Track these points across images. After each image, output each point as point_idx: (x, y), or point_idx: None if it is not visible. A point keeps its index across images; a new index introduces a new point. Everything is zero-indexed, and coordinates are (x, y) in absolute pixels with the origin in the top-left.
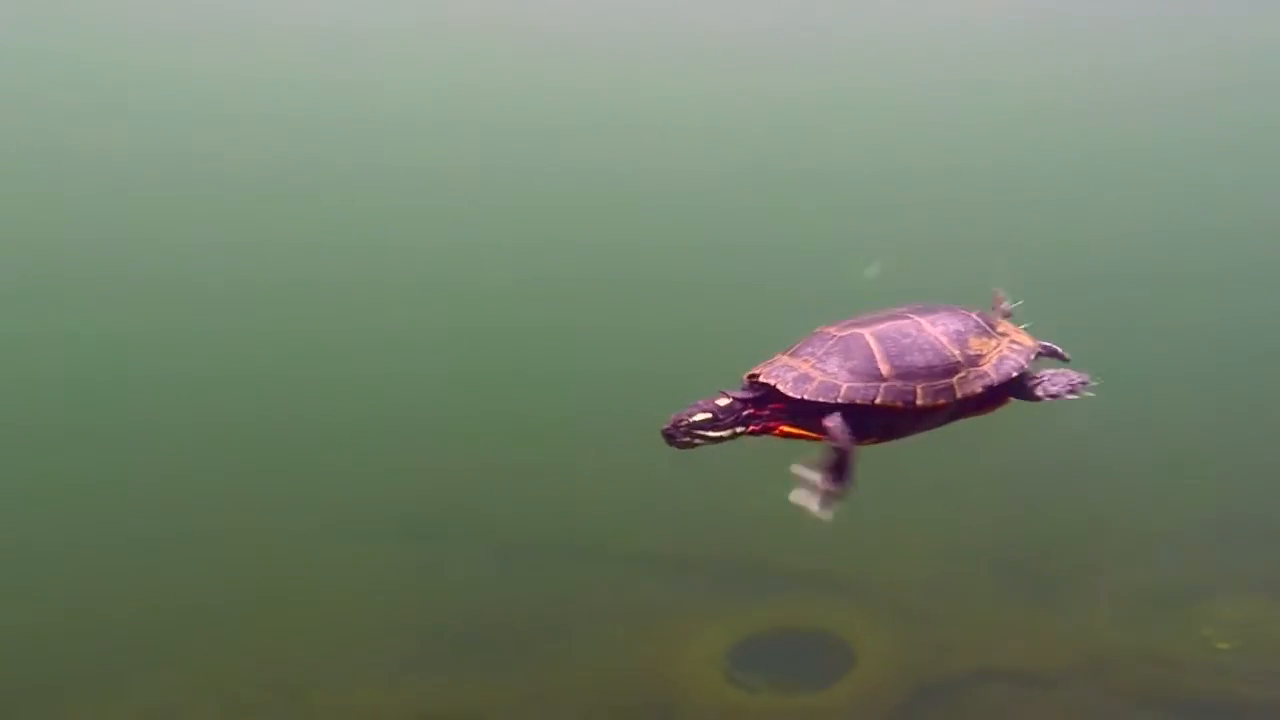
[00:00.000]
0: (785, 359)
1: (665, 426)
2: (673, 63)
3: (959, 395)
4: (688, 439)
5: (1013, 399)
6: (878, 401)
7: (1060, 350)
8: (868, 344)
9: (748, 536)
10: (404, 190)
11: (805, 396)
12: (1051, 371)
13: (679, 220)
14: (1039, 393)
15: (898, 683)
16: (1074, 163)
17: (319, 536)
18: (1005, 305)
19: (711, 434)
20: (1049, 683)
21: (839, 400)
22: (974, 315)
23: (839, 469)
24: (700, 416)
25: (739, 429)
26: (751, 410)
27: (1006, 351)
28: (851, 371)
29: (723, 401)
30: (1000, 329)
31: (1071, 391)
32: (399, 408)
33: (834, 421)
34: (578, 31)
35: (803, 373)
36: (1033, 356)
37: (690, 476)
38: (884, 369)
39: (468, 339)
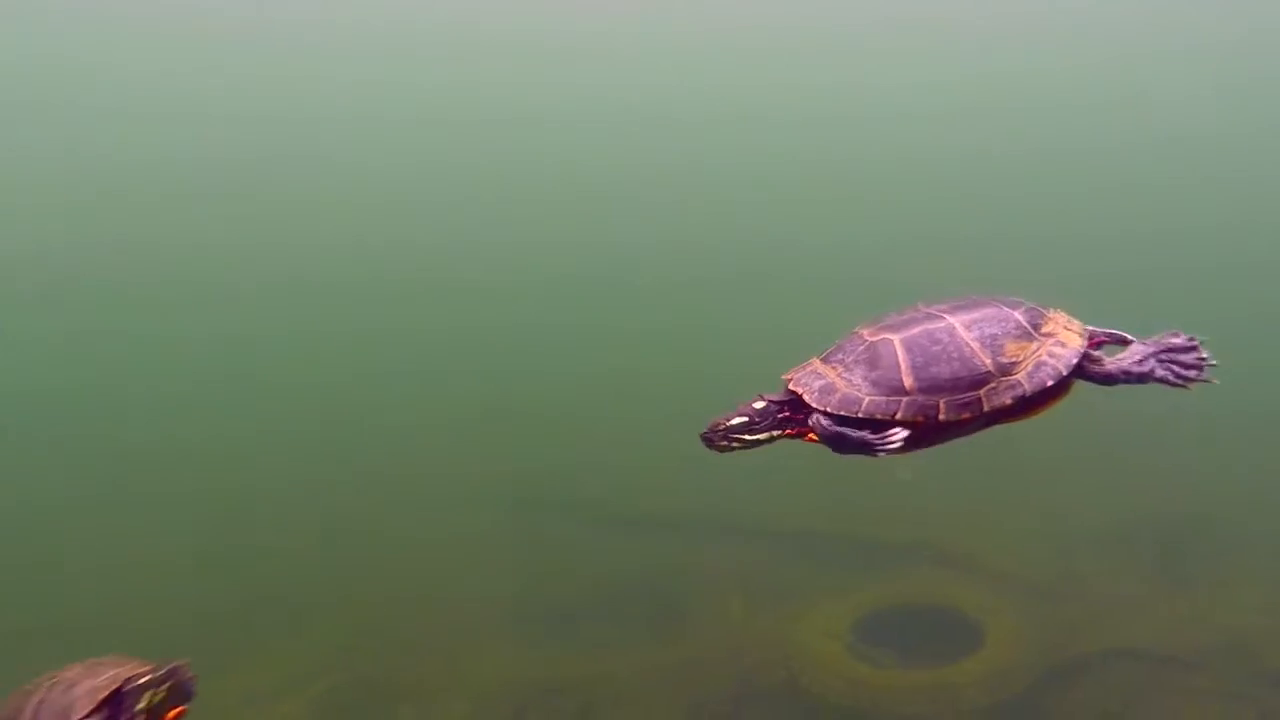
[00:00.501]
0: (816, 364)
1: (703, 430)
2: (717, 55)
3: (986, 408)
4: (725, 443)
5: (1066, 391)
6: (898, 417)
7: (1126, 335)
8: (895, 352)
9: (868, 511)
10: (492, 190)
11: (828, 409)
12: (1155, 348)
13: (743, 215)
14: (1121, 374)
15: (1029, 661)
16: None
17: (443, 512)
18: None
19: (748, 437)
20: (1187, 664)
21: (860, 414)
22: (1017, 313)
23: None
24: (736, 420)
25: (775, 432)
26: (787, 414)
27: (1045, 356)
28: (875, 383)
29: (759, 405)
30: (1046, 328)
31: (1180, 378)
32: (519, 395)
33: (820, 426)
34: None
35: (829, 382)
36: (1078, 357)
37: (811, 451)
38: (908, 381)
39: (571, 332)
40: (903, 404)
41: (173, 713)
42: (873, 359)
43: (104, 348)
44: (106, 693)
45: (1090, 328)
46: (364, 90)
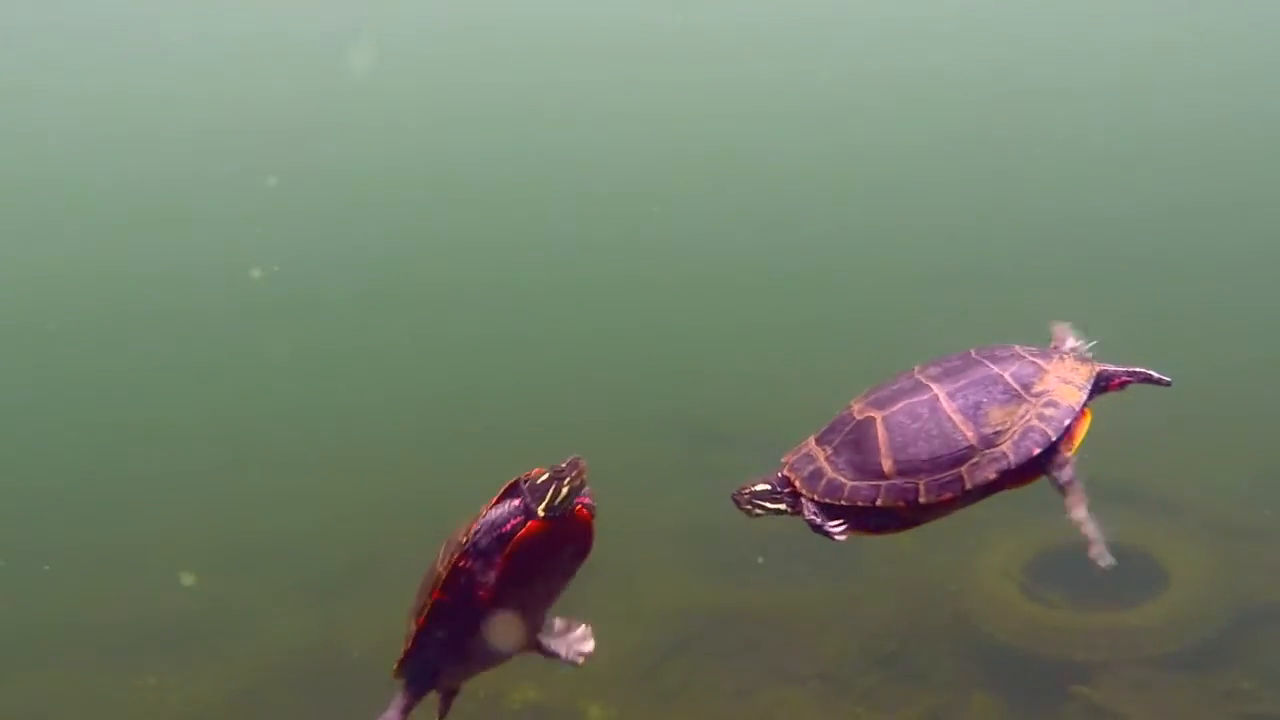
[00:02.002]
0: (810, 445)
1: (733, 492)
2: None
3: (968, 486)
4: (749, 506)
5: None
6: (879, 503)
7: (1155, 375)
8: (877, 433)
9: None
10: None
11: (816, 497)
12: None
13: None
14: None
15: (1217, 606)
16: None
17: (622, 446)
18: (1071, 343)
19: (770, 505)
20: None
21: (843, 502)
22: (1008, 373)
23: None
24: (760, 487)
25: (793, 505)
26: (792, 491)
27: (1034, 421)
28: (858, 469)
29: (779, 475)
30: (1039, 385)
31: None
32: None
33: (806, 512)
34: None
35: (817, 467)
36: (1070, 417)
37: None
38: (887, 465)
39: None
40: (882, 489)
41: (581, 503)
42: (857, 440)
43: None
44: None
45: (1108, 368)
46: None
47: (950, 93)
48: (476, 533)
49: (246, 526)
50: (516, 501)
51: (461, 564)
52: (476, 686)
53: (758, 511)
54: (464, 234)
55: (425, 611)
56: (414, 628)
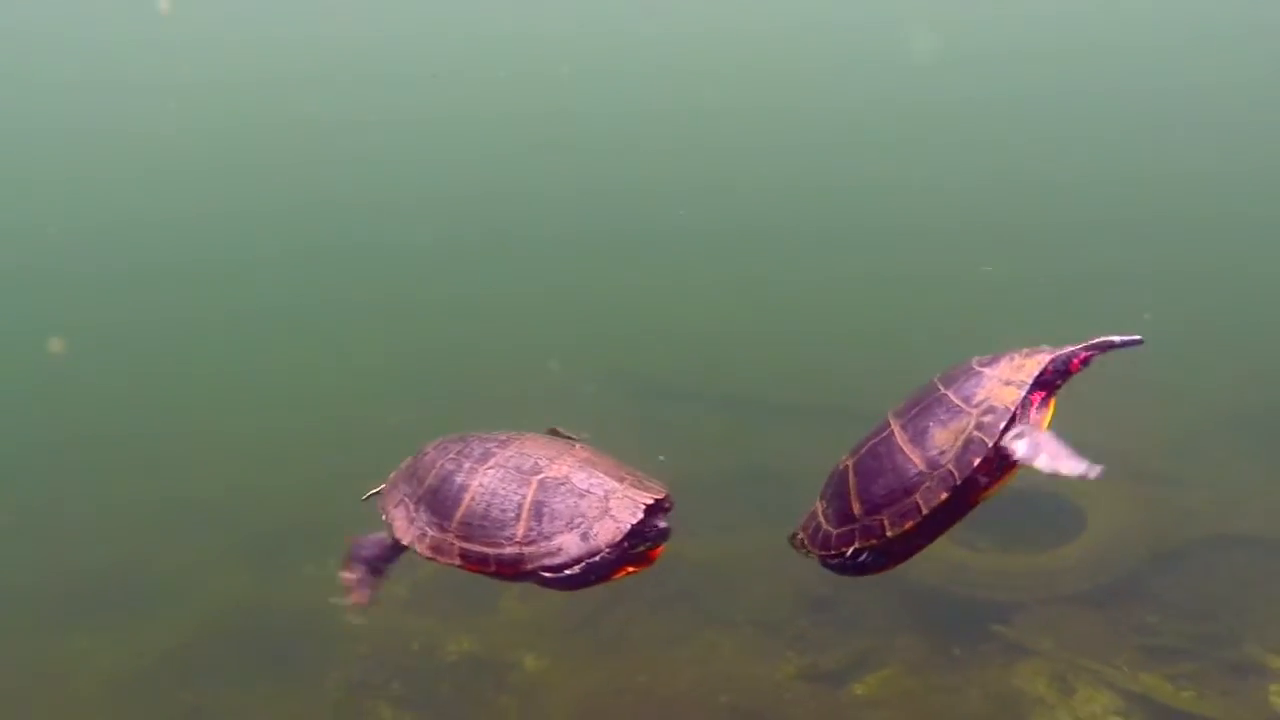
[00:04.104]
0: (816, 504)
1: (791, 535)
2: None
3: (925, 510)
4: (804, 549)
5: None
6: (856, 545)
7: (1117, 339)
8: (847, 479)
9: None
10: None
11: (819, 551)
12: (1041, 440)
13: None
14: (1029, 459)
15: (1131, 547)
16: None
17: (569, 397)
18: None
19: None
20: None
21: (832, 550)
22: (951, 390)
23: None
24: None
25: None
26: None
27: (973, 432)
28: (839, 516)
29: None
30: (979, 395)
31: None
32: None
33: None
34: None
35: (818, 522)
36: (1006, 418)
37: (937, 337)
38: (856, 507)
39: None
40: (856, 531)
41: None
42: (837, 490)
43: None
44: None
45: (1061, 351)
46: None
47: None
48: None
49: (178, 489)
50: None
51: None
52: (410, 638)
53: (810, 553)
54: (415, 191)
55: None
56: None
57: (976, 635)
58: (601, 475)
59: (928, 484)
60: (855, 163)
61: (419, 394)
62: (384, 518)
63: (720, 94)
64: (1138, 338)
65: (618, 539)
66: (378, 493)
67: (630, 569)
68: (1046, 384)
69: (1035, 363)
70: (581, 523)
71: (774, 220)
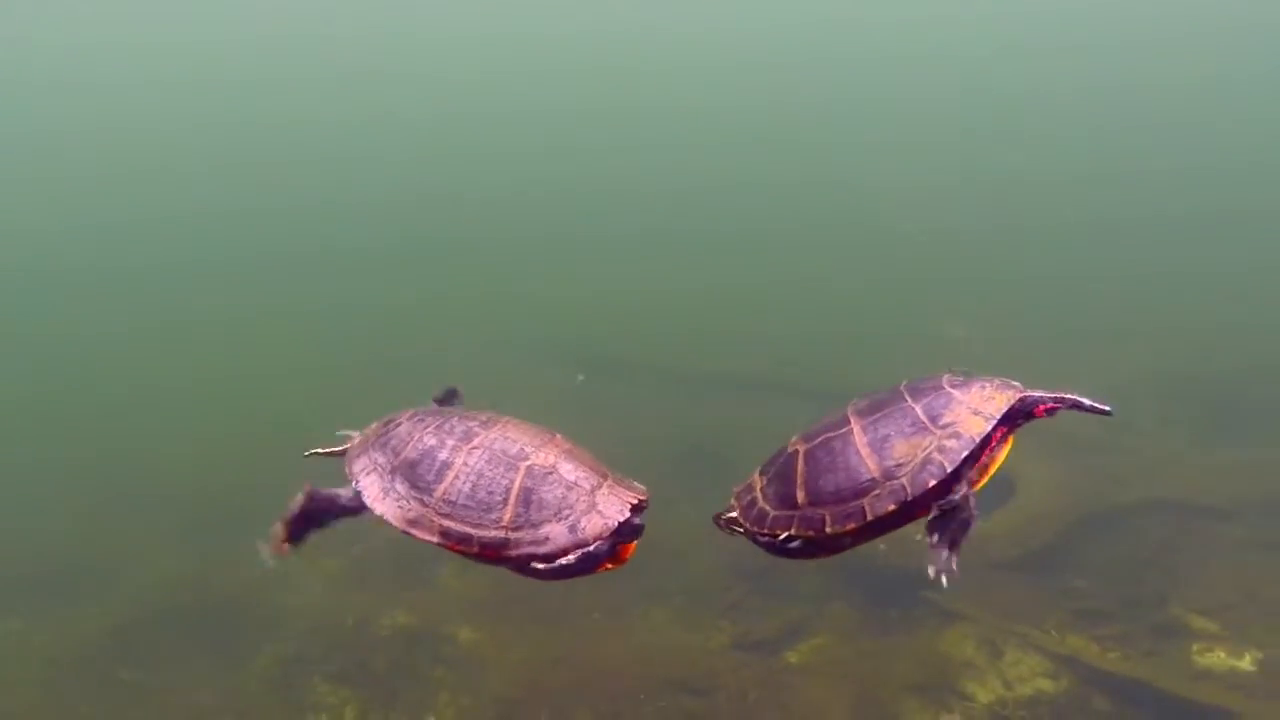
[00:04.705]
0: (755, 477)
1: (714, 515)
2: None
3: (870, 517)
4: (728, 528)
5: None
6: (793, 531)
7: (1085, 402)
8: (797, 465)
9: (914, 366)
10: None
11: (750, 526)
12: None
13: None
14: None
15: (1060, 512)
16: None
17: (506, 373)
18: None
19: (740, 529)
20: (1223, 514)
21: (765, 530)
22: (919, 405)
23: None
24: (732, 515)
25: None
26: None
27: (934, 453)
28: (780, 499)
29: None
30: (946, 418)
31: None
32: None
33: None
34: None
35: (753, 497)
36: (970, 448)
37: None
38: (800, 495)
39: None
40: (796, 519)
41: (629, 547)
42: (783, 472)
43: None
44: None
45: (1032, 394)
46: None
47: None
48: None
49: (114, 471)
50: None
51: None
52: (345, 613)
53: (737, 530)
54: (352, 192)
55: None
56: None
57: (907, 602)
58: (587, 469)
59: (878, 492)
60: (795, 156)
61: (362, 379)
62: (352, 483)
63: (660, 93)
64: (1108, 409)
65: (605, 534)
66: (328, 453)
67: (609, 565)
68: (1010, 420)
69: (1005, 398)
70: (569, 514)
71: (714, 207)
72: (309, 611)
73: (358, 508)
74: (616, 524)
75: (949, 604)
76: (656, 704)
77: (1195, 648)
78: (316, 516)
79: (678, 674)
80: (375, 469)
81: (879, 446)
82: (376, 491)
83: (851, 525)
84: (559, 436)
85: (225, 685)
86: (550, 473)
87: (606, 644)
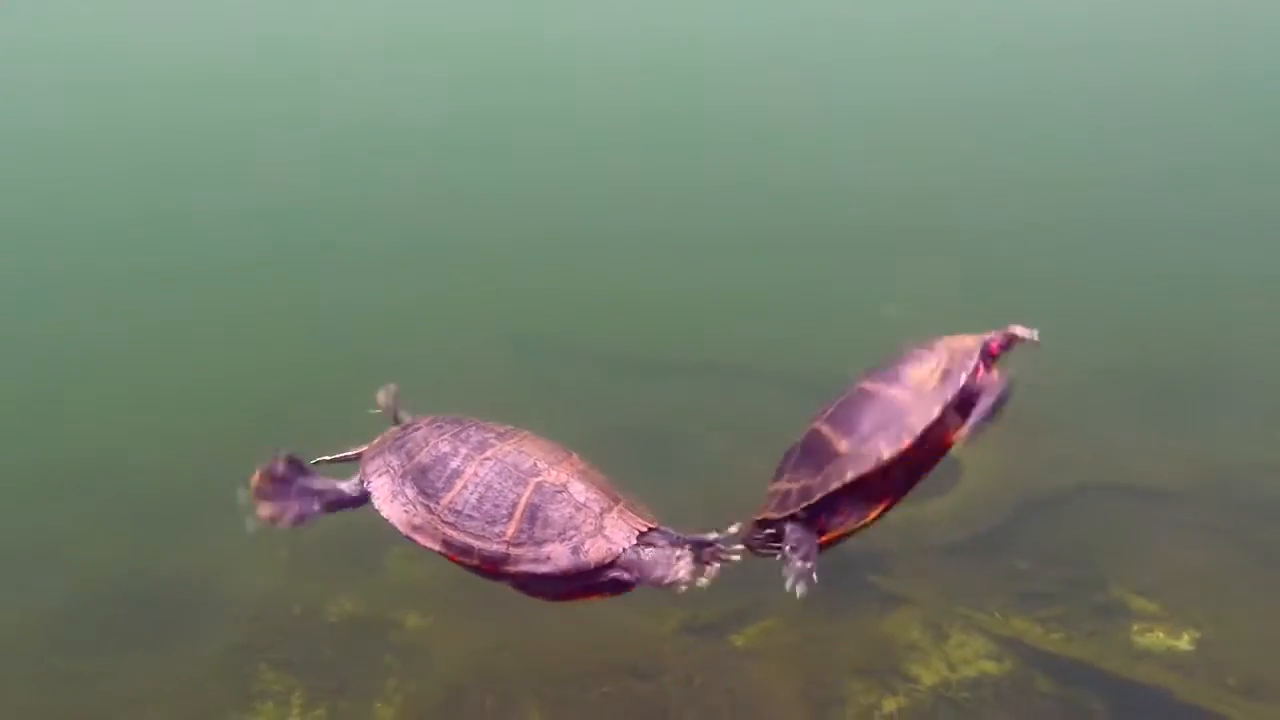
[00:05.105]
0: (770, 485)
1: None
2: None
3: (921, 428)
4: (763, 546)
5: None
6: (848, 478)
7: (1016, 333)
8: (822, 432)
9: (856, 350)
10: None
11: (792, 509)
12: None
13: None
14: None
15: (1003, 497)
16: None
17: (450, 357)
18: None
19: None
20: (1165, 495)
21: (815, 497)
22: (865, 381)
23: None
24: (767, 514)
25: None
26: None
27: (950, 366)
28: (819, 464)
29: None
30: (910, 378)
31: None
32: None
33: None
34: None
35: (781, 489)
36: (942, 404)
37: (799, 299)
38: (842, 446)
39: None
40: (846, 463)
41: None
42: (809, 446)
43: None
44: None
45: (985, 336)
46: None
47: None
48: None
49: (51, 454)
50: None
51: None
52: (293, 601)
53: (772, 547)
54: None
55: None
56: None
57: (854, 585)
58: (599, 491)
59: (920, 404)
60: (768, 151)
61: (306, 359)
62: (364, 482)
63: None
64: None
65: (608, 560)
66: (334, 459)
67: (607, 594)
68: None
69: (951, 380)
70: (574, 535)
71: (687, 204)
72: (256, 599)
73: (357, 500)
74: (621, 549)
75: (895, 588)
76: (603, 688)
77: (1135, 628)
78: (313, 499)
79: (625, 658)
80: (388, 470)
81: (903, 378)
82: (386, 494)
83: (907, 441)
84: (575, 456)
85: (169, 674)
86: (560, 491)
87: (554, 629)
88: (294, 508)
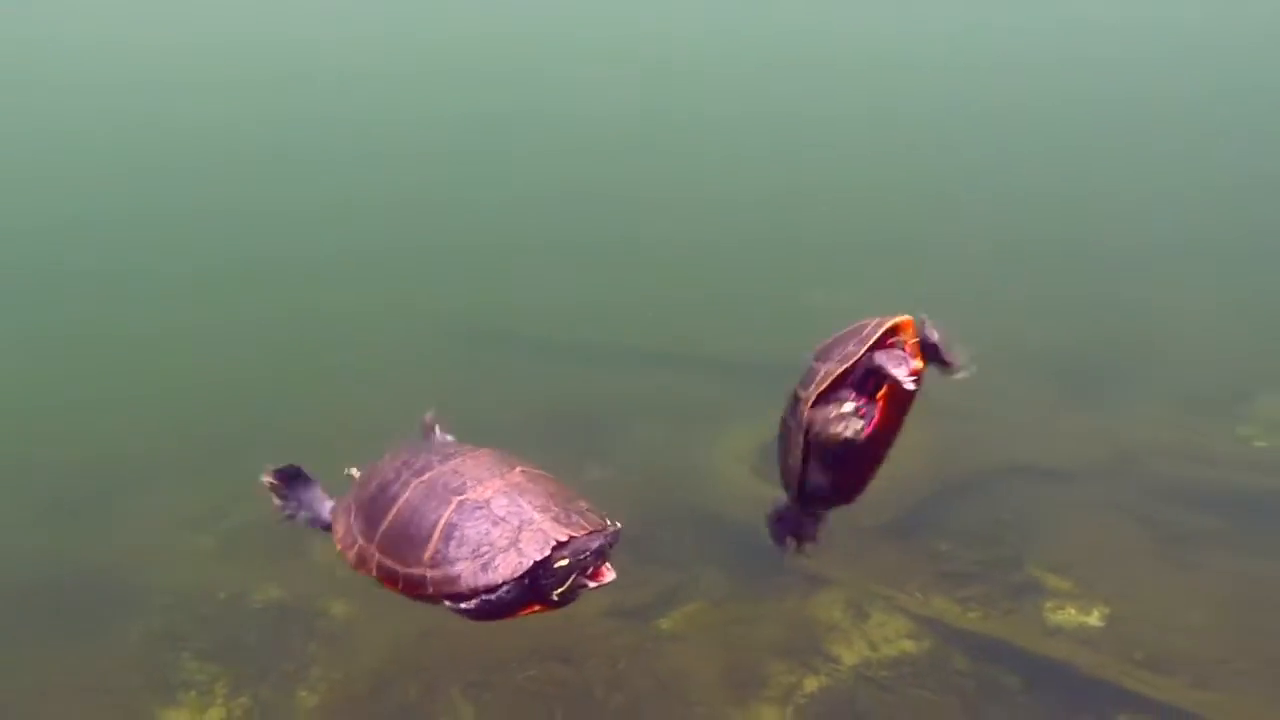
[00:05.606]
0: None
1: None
2: None
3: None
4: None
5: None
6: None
7: (945, 355)
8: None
9: (784, 335)
10: None
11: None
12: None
13: None
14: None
15: (923, 478)
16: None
17: (380, 344)
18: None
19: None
20: (1077, 477)
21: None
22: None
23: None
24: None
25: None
26: None
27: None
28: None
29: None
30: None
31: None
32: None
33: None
34: None
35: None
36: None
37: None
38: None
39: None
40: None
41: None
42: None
43: None
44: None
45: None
46: None
47: None
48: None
49: None
50: None
51: None
52: (217, 588)
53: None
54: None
55: None
56: None
57: (778, 568)
58: (525, 503)
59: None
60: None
61: (227, 353)
62: (332, 519)
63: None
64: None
65: (517, 574)
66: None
67: (538, 608)
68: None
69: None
70: (487, 552)
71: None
72: (179, 587)
73: (327, 528)
74: (532, 563)
75: (818, 569)
76: (527, 674)
77: (1049, 605)
78: (306, 500)
79: (550, 643)
80: (345, 508)
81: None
82: (341, 532)
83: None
84: (519, 467)
85: (86, 665)
86: (480, 508)
87: None
88: (303, 514)
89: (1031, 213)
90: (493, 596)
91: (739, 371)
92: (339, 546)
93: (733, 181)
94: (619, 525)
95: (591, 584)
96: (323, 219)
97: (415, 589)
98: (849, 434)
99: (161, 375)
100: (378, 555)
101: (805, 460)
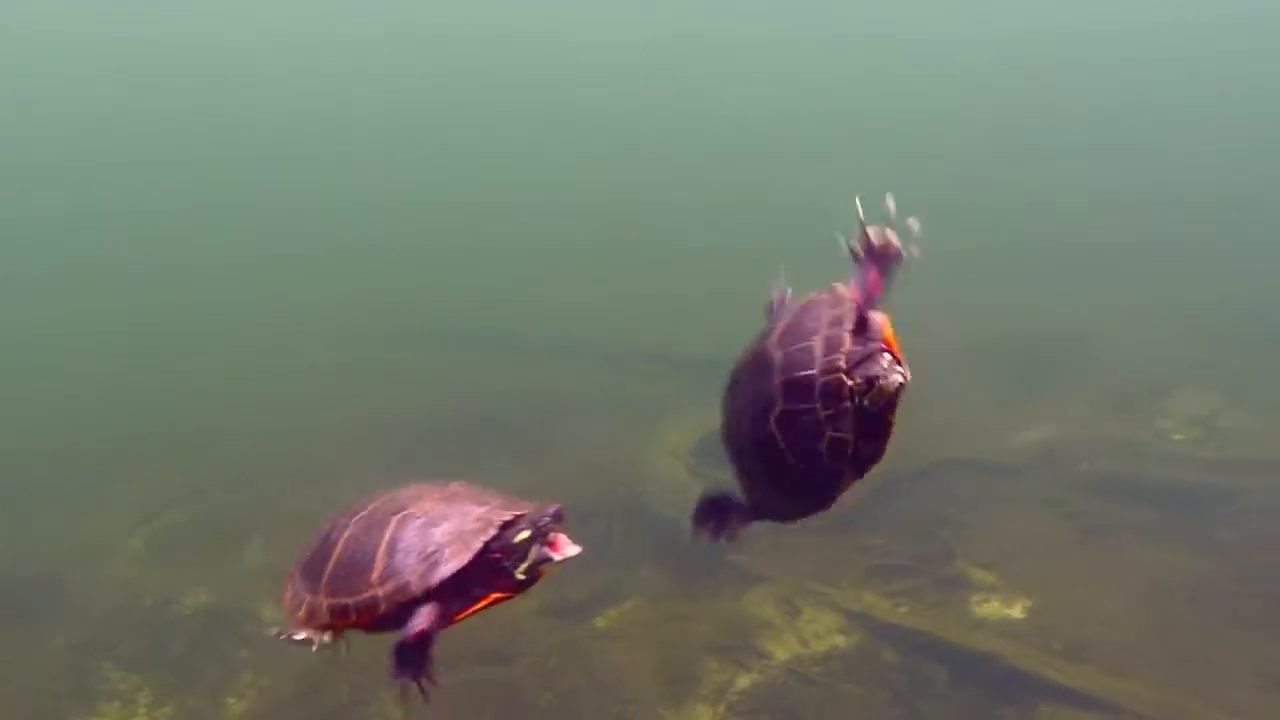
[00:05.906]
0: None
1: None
2: None
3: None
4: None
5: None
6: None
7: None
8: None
9: (727, 332)
10: None
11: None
12: None
13: None
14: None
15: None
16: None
17: (311, 348)
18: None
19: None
20: (1009, 471)
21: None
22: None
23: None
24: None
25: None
26: None
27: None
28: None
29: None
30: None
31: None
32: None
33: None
34: None
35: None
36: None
37: (689, 283)
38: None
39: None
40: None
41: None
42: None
43: None
44: (501, 521)
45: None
46: None
47: None
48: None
49: None
50: None
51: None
52: (144, 594)
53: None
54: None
55: None
56: None
57: (713, 565)
58: (466, 504)
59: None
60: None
61: (169, 357)
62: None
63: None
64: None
65: (466, 561)
66: None
67: (498, 596)
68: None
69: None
70: (434, 552)
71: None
72: (104, 593)
73: None
74: (480, 545)
75: (753, 566)
76: (461, 674)
77: (975, 599)
78: None
79: (485, 642)
80: (288, 578)
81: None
82: (288, 598)
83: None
84: (454, 484)
85: (9, 675)
86: (419, 517)
87: None
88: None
89: (966, 217)
90: (445, 592)
91: (675, 367)
92: (286, 611)
93: (673, 183)
94: (560, 504)
95: (555, 555)
96: (255, 221)
97: (370, 613)
98: (900, 380)
99: (91, 375)
100: (326, 601)
101: (840, 446)
